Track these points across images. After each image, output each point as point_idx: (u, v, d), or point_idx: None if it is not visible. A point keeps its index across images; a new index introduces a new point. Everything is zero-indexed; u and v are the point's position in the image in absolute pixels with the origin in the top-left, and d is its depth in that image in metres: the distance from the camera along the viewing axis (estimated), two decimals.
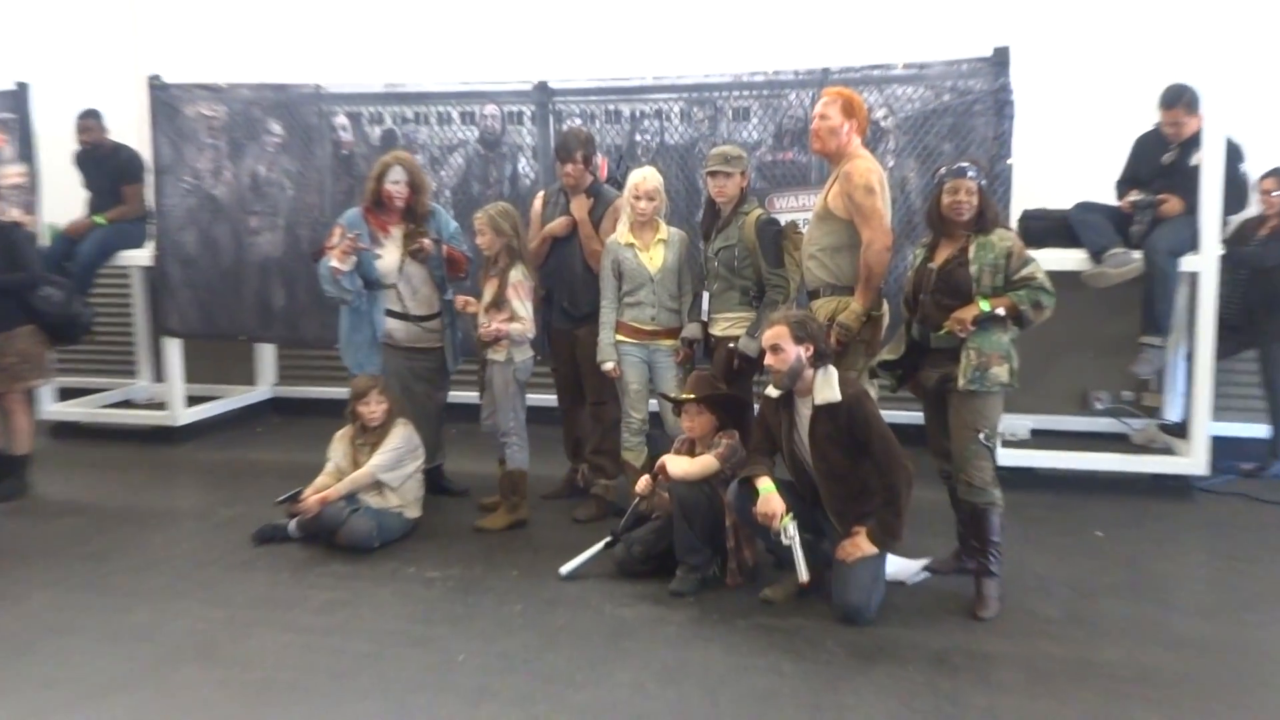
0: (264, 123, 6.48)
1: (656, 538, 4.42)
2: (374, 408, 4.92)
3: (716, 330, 4.83)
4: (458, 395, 5.83)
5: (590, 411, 5.38)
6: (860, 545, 3.93)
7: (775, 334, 3.98)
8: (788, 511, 3.93)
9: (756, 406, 4.40)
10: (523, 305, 4.94)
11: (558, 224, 5.20)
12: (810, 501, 4.12)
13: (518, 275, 4.94)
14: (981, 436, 3.96)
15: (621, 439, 5.15)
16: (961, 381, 3.94)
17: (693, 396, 4.43)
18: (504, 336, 4.89)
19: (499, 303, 4.94)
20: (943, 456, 4.24)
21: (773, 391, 4.09)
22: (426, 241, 5.18)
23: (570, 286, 5.23)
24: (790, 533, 3.91)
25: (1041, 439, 6.17)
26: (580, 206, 5.17)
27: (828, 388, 3.94)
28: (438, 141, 6.26)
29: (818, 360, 3.98)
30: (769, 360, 3.99)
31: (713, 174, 4.74)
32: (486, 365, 5.05)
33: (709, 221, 4.90)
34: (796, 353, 3.94)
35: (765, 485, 3.99)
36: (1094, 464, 5.67)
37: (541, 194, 5.44)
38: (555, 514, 5.30)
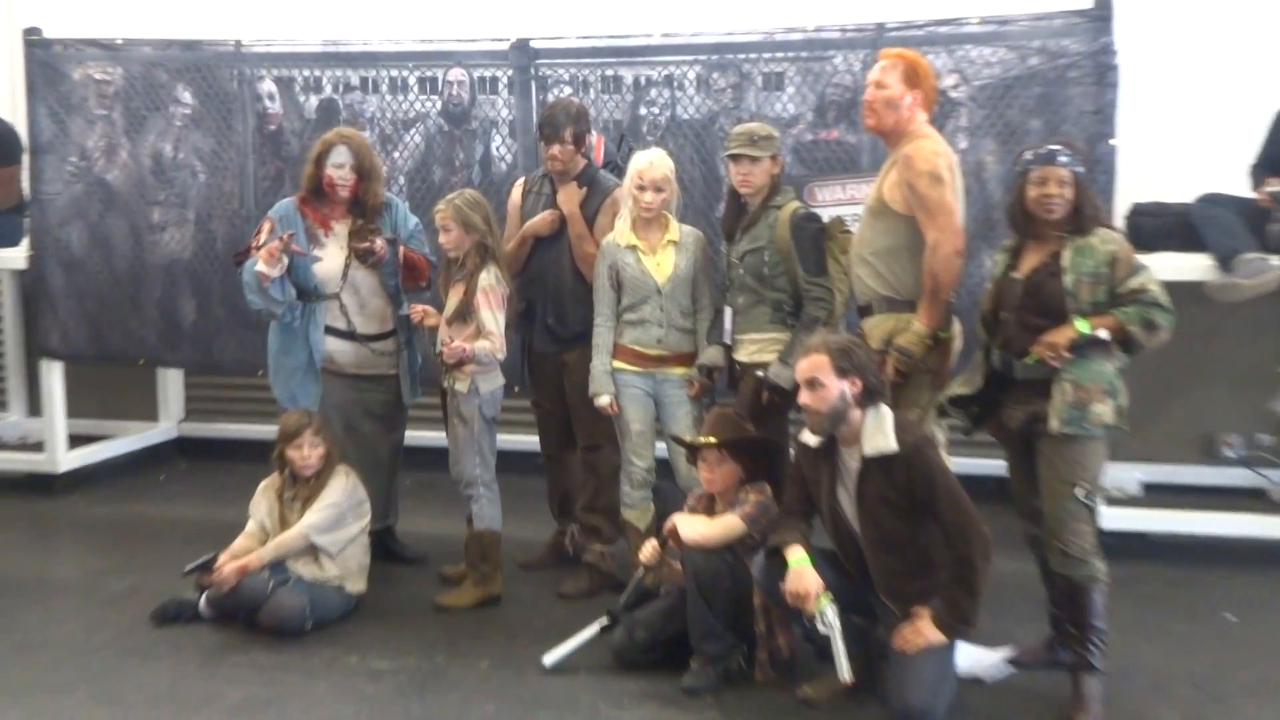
0: (170, 89, 6.52)
1: (665, 620, 4.41)
2: (308, 452, 4.92)
3: (742, 355, 4.85)
4: (416, 435, 5.84)
5: (581, 459, 5.39)
6: (923, 632, 3.91)
7: (812, 365, 3.98)
8: (825, 590, 3.93)
9: (793, 452, 4.40)
10: (493, 317, 4.95)
11: (541, 220, 5.23)
12: (858, 576, 4.11)
13: (489, 280, 4.96)
14: (1080, 493, 3.96)
15: (621, 494, 5.15)
16: (1054, 423, 3.94)
17: (713, 440, 4.43)
18: (469, 358, 4.90)
19: (464, 314, 4.96)
20: (1030, 518, 4.23)
21: (810, 439, 4.09)
22: (378, 241, 5.20)
23: (557, 299, 5.25)
24: (829, 618, 3.90)
25: (1156, 495, 6.17)
26: (570, 197, 5.20)
27: (880, 434, 3.94)
28: (390, 115, 6.29)
29: (867, 398, 3.98)
30: (805, 399, 4.00)
31: (735, 158, 4.76)
32: (449, 396, 5.07)
33: (732, 218, 4.93)
34: (840, 389, 3.95)
35: (797, 557, 3.99)
36: (1223, 527, 5.66)
37: (521, 182, 5.47)
38: (537, 588, 5.29)
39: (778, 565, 4.04)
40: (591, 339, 5.09)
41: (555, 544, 5.61)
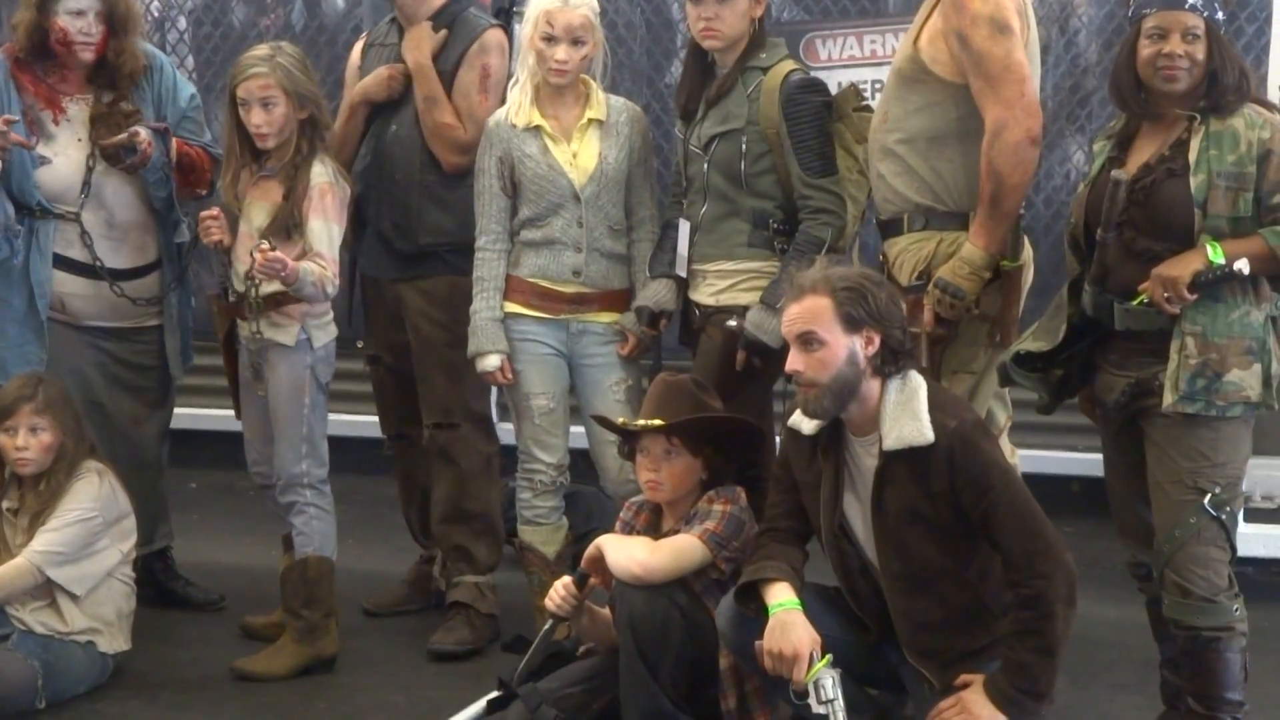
0: None
1: (587, 692, 4.46)
2: (23, 440, 4.91)
3: (704, 295, 4.91)
4: (196, 415, 5.84)
5: (429, 443, 5.44)
6: (973, 710, 3.98)
7: (807, 311, 3.98)
8: (823, 650, 3.95)
9: (779, 443, 4.46)
10: (327, 231, 4.96)
11: (376, 79, 5.25)
12: (874, 627, 4.17)
13: (324, 175, 4.97)
14: (1208, 501, 4.03)
15: (517, 502, 5.20)
16: (1171, 396, 4.00)
17: (659, 423, 4.46)
18: (290, 279, 4.84)
19: (286, 226, 4.96)
20: (1136, 538, 4.31)
21: (805, 425, 4.14)
22: (141, 132, 5.15)
23: (397, 196, 5.28)
24: (827, 691, 3.91)
25: None
26: (418, 43, 5.20)
27: (908, 417, 3.97)
28: None
29: (890, 362, 4.02)
30: (795, 363, 4.01)
31: None
32: (249, 353, 5.08)
33: (693, 86, 4.96)
34: (848, 348, 3.96)
35: (781, 599, 4.01)
36: None
37: (363, 37, 5.50)
38: (392, 644, 5.37)
39: (754, 611, 4.07)
40: (460, 265, 5.15)
41: (417, 576, 5.66)
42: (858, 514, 4.10)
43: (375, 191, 5.29)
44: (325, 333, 5.08)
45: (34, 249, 5.22)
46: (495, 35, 5.22)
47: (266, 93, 4.89)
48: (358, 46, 5.45)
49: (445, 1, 5.24)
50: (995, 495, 3.87)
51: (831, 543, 4.15)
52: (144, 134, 5.13)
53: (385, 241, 5.30)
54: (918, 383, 3.99)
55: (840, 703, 3.85)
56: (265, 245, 4.77)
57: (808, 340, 3.93)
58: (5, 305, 5.24)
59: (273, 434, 5.09)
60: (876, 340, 3.94)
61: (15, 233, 5.15)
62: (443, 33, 5.20)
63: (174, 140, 5.28)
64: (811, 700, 3.89)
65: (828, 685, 3.87)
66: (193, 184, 5.38)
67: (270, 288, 4.92)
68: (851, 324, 3.91)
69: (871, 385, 3.97)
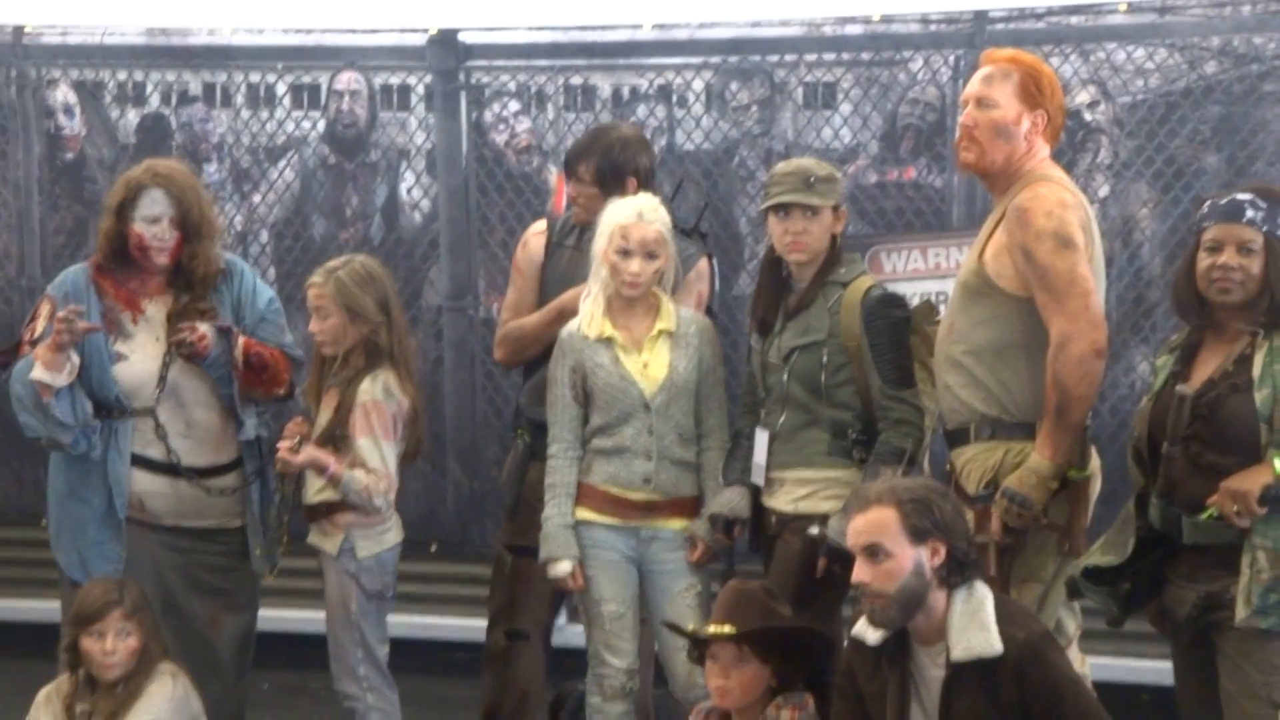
0: None
1: None
2: (112, 644, 4.87)
3: (782, 502, 4.86)
4: (279, 617, 5.82)
5: (491, 651, 5.43)
6: None
7: (873, 523, 3.95)
8: None
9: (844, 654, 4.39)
10: (376, 448, 4.99)
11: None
12: None
13: (373, 392, 5.00)
14: None
15: (587, 706, 5.14)
16: (1243, 611, 3.94)
17: (729, 630, 4.42)
18: (324, 473, 4.90)
19: (334, 437, 5.01)
20: None
21: (870, 635, 4.07)
22: (202, 328, 5.18)
23: None
24: None
25: None
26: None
27: (976, 627, 3.92)
28: (248, 140, 6.39)
29: (956, 574, 3.97)
30: (862, 574, 3.97)
31: (783, 209, 4.80)
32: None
33: (770, 299, 4.97)
34: (914, 559, 3.93)
35: None
36: None
37: (542, 226, 5.49)
38: None
39: None
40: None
41: None
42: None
43: None
44: (376, 543, 5.07)
45: (112, 447, 5.21)
46: (705, 264, 5.26)
47: (320, 303, 4.99)
48: (536, 241, 5.41)
49: None
50: (1066, 707, 3.81)
51: None
52: (201, 329, 5.14)
53: None
54: (984, 593, 3.95)
55: None
56: (286, 446, 4.89)
57: (874, 552, 3.90)
58: (85, 504, 5.23)
59: (330, 638, 5.11)
60: (943, 551, 3.91)
61: (93, 428, 5.15)
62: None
63: (241, 339, 5.25)
64: None
65: None
66: (267, 383, 5.34)
67: (322, 495, 4.98)
68: (917, 535, 3.88)
69: (938, 596, 3.92)
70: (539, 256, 5.38)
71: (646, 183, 5.17)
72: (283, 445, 4.90)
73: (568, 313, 5.18)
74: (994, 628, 3.86)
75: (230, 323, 5.25)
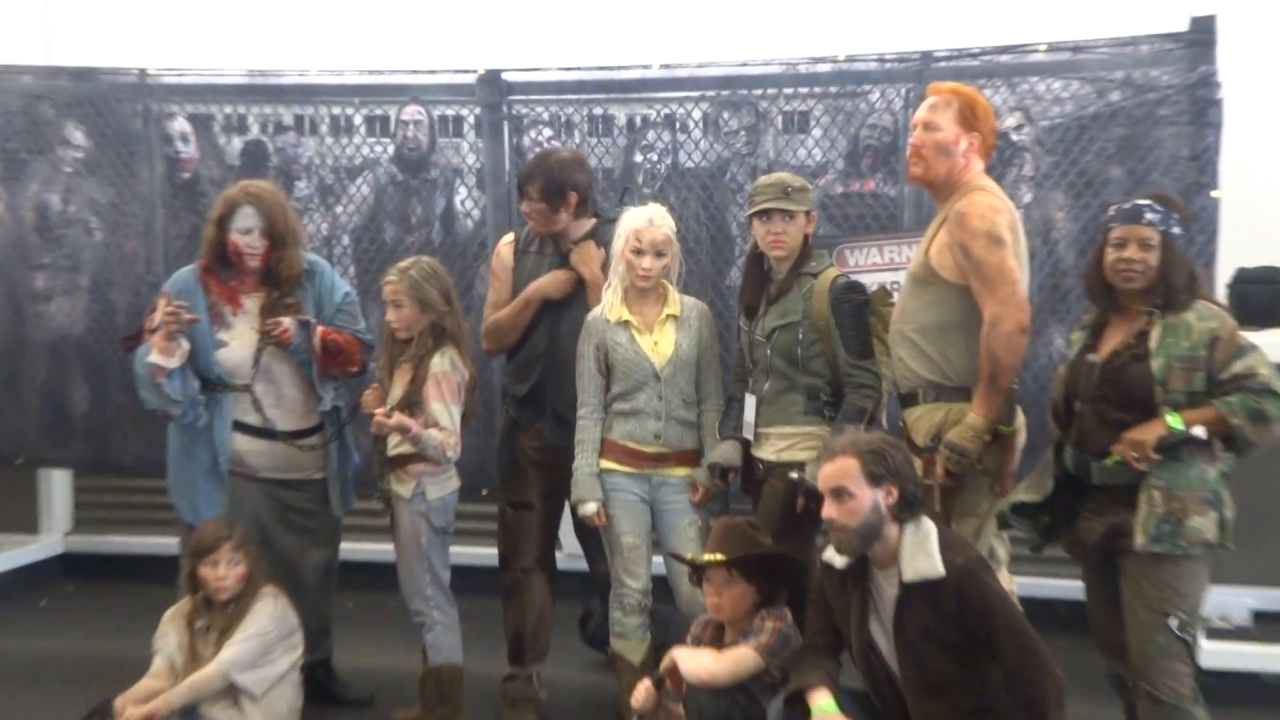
0: (58, 128, 6.59)
1: None
2: (224, 571, 4.92)
3: (767, 453, 4.88)
4: (361, 549, 5.85)
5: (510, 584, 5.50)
6: None
7: (839, 470, 3.99)
8: None
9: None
10: (446, 411, 5.02)
11: (553, 280, 5.27)
12: None
13: (442, 364, 5.04)
14: (1174, 624, 3.98)
15: (610, 619, 5.16)
16: (1141, 539, 3.96)
17: (720, 557, 4.44)
18: (414, 439, 4.94)
19: (411, 404, 5.03)
20: (1113, 653, 4.24)
21: (837, 560, 4.10)
22: (286, 322, 5.20)
23: (569, 382, 5.24)
24: None
25: (1273, 626, 6.08)
26: (589, 259, 5.25)
27: (922, 554, 3.94)
28: (331, 161, 6.40)
29: (905, 510, 3.99)
30: (830, 511, 4.00)
31: (766, 214, 4.81)
32: (387, 498, 5.16)
33: (755, 288, 4.99)
34: (872, 499, 3.96)
35: (822, 703, 3.98)
36: None
37: (510, 238, 5.52)
38: None
39: (800, 713, 4.01)
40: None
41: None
42: (881, 633, 4.05)
43: (553, 376, 5.28)
44: (441, 487, 5.11)
45: (217, 415, 5.25)
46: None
47: (395, 296, 5.03)
48: (506, 249, 5.43)
49: (594, 225, 5.28)
50: (995, 619, 3.84)
51: (860, 656, 4.12)
52: (285, 323, 5.18)
53: (560, 418, 5.26)
54: (929, 527, 3.98)
55: None
56: (381, 413, 4.91)
57: (840, 493, 3.95)
58: (196, 461, 5.27)
59: (401, 566, 5.14)
60: (895, 493, 3.95)
61: (200, 403, 5.19)
62: (603, 251, 5.18)
63: (320, 329, 5.28)
64: None
65: None
66: (342, 363, 5.37)
67: (399, 449, 5.00)
68: (875, 480, 3.93)
69: (892, 529, 3.96)
70: (510, 262, 5.41)
71: (585, 196, 5.22)
72: (379, 412, 4.93)
73: (531, 303, 5.27)
74: (938, 555, 3.90)
75: (310, 316, 5.28)
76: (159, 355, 5.00)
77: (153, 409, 5.20)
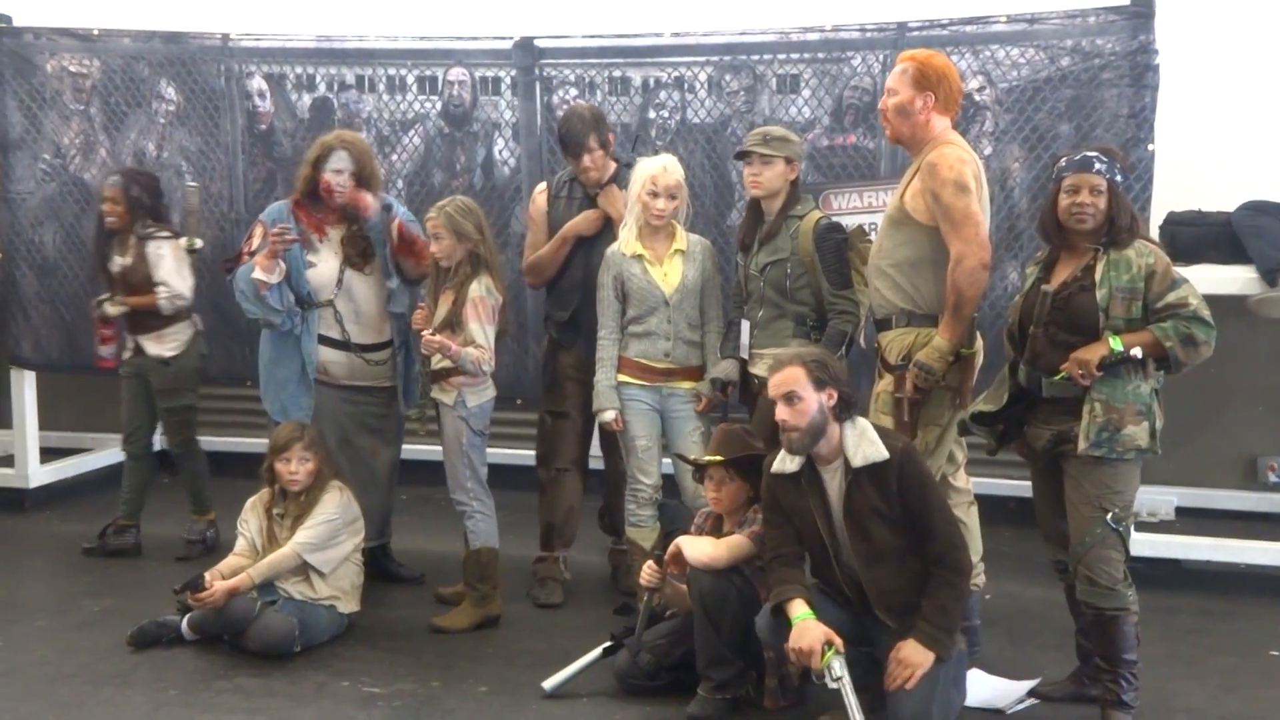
0: (153, 84, 6.58)
1: (670, 644, 4.45)
2: (296, 467, 4.98)
3: (761, 369, 4.86)
4: (414, 449, 5.92)
5: (544, 481, 5.55)
6: (911, 660, 3.90)
7: (787, 378, 4.02)
8: (830, 645, 3.90)
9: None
10: (483, 330, 5.04)
11: (585, 219, 5.31)
12: (855, 600, 4.13)
13: (479, 290, 5.05)
14: (1109, 518, 4.01)
15: (626, 511, 5.23)
16: (1083, 444, 3.99)
17: (719, 458, 4.47)
18: (454, 356, 4.97)
19: (453, 324, 5.05)
20: (1057, 542, 4.28)
21: (789, 464, 4.11)
22: (367, 196, 5.27)
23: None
24: (836, 671, 3.88)
25: (1193, 520, 6.14)
26: (614, 200, 5.27)
27: (867, 442, 4.00)
28: (388, 116, 6.38)
29: (844, 411, 4.05)
30: (782, 414, 4.03)
31: (745, 156, 4.85)
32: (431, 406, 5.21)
33: (750, 228, 5.01)
34: (817, 401, 4.00)
35: (799, 612, 3.99)
36: (1265, 556, 5.62)
37: (544, 186, 5.53)
38: (538, 609, 5.36)
39: (782, 623, 4.04)
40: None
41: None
42: (835, 522, 4.09)
43: (590, 303, 5.27)
44: (479, 396, 5.13)
45: (305, 329, 5.32)
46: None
47: (435, 229, 5.04)
48: (541, 197, 5.46)
49: (615, 170, 5.30)
50: (929, 494, 4.00)
51: (818, 553, 4.17)
52: (367, 197, 5.27)
53: (592, 339, 5.26)
54: (864, 423, 4.09)
55: (847, 679, 3.86)
56: (427, 333, 4.98)
57: (790, 397, 4.01)
58: (285, 368, 5.37)
59: (446, 463, 5.19)
60: (835, 395, 4.02)
61: (295, 313, 5.28)
62: (624, 193, 5.18)
63: (397, 220, 5.35)
64: (826, 679, 3.89)
65: (835, 667, 3.87)
66: (417, 254, 5.38)
67: (441, 364, 5.02)
68: (819, 385, 4.00)
69: (834, 427, 4.04)
70: (544, 207, 5.43)
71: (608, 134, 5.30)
72: (426, 333, 4.97)
73: (567, 240, 5.32)
74: (880, 442, 4.00)
75: (391, 200, 5.38)
76: (262, 273, 5.11)
77: (254, 318, 5.28)
